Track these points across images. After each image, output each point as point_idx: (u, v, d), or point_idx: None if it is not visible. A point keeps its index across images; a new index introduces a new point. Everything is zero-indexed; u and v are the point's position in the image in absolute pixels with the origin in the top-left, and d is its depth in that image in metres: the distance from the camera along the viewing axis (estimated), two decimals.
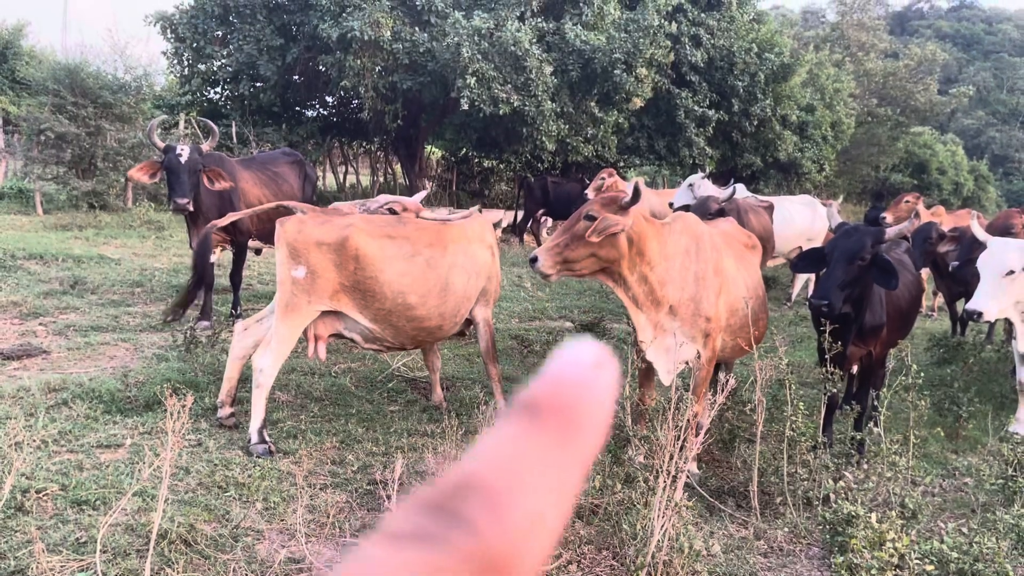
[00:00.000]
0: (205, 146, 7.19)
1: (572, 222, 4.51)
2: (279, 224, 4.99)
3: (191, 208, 6.95)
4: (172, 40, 15.97)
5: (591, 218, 4.39)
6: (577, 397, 0.40)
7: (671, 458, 3.57)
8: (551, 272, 4.45)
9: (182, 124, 15.99)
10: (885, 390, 5.03)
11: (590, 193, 11.87)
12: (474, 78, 13.29)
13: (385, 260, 4.98)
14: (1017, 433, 6.11)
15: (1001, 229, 8.87)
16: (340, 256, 4.90)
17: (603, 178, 12.56)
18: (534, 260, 4.44)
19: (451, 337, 5.92)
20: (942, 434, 5.77)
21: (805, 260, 5.60)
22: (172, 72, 17.09)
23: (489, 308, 5.69)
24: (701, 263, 4.73)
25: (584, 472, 0.41)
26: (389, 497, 3.75)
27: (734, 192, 8.94)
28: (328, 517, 4.01)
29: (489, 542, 0.36)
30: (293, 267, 4.87)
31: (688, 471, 4.51)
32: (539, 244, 15.83)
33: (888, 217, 11.02)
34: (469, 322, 5.67)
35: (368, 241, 4.96)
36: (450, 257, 5.26)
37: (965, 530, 3.82)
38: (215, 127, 7.81)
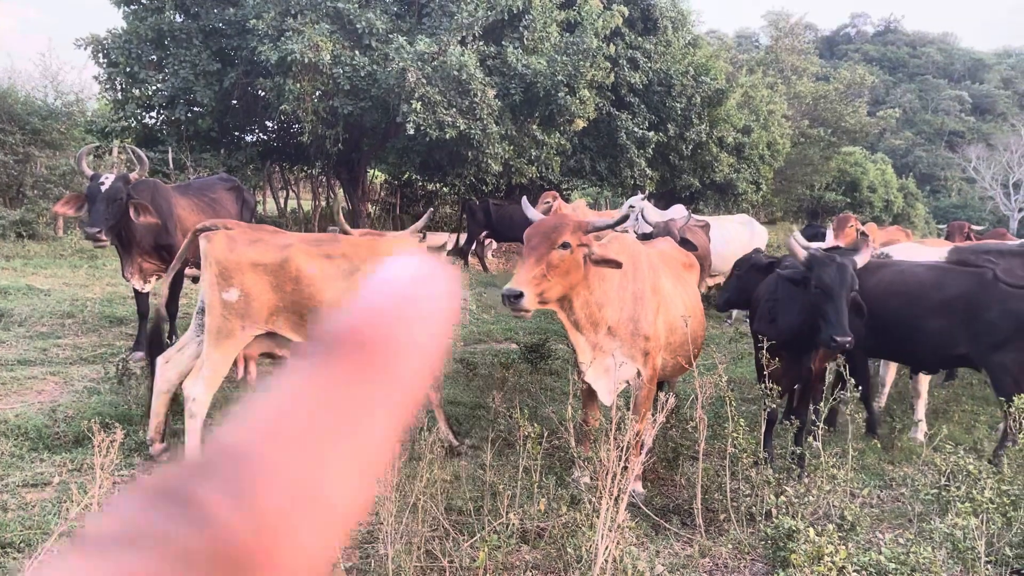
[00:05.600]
0: (134, 175, 6.98)
1: (544, 251, 4.27)
2: (205, 240, 4.72)
3: (103, 238, 6.65)
4: (104, 65, 15.60)
5: (566, 246, 4.35)
6: (386, 320, 0.31)
7: (613, 478, 3.57)
8: (533, 309, 4.26)
9: (115, 151, 15.61)
10: (822, 404, 5.13)
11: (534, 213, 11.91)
12: (419, 103, 13.28)
13: (326, 279, 4.90)
14: (915, 438, 6.31)
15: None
16: (278, 277, 4.76)
17: (548, 201, 12.64)
18: (518, 297, 4.13)
19: None
20: (878, 445, 5.91)
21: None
22: (104, 97, 16.68)
23: None
24: (638, 283, 4.77)
25: (404, 415, 0.31)
26: None
27: (688, 219, 9.17)
28: None
29: (228, 533, 0.27)
30: (224, 289, 4.65)
31: (633, 491, 4.52)
32: (484, 267, 15.84)
33: (840, 244, 11.13)
34: None
35: (308, 261, 4.86)
36: None
37: (902, 540, 3.90)
38: (144, 156, 7.58)
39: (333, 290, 4.92)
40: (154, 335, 5.39)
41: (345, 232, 5.97)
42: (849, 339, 4.89)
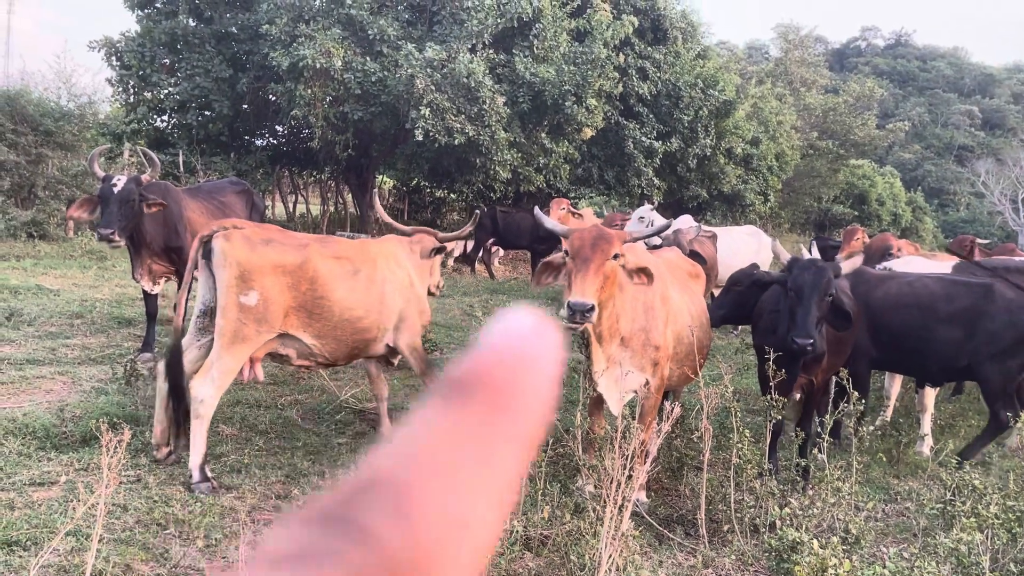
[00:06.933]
0: (146, 176, 7.04)
1: (600, 261, 4.19)
2: (223, 239, 4.61)
3: (116, 239, 6.66)
4: (117, 67, 15.72)
5: (617, 257, 4.31)
6: (512, 368, 0.35)
7: (618, 487, 3.58)
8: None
9: (127, 153, 15.70)
10: (827, 417, 5.12)
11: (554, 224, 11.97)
12: (428, 109, 13.35)
13: (335, 279, 4.98)
14: (920, 452, 6.32)
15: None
16: (295, 278, 4.79)
17: (564, 207, 12.74)
18: (590, 310, 4.05)
19: (380, 361, 5.78)
20: (884, 459, 5.89)
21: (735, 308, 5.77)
22: (117, 99, 16.80)
23: (413, 336, 5.56)
24: (648, 293, 4.77)
25: (528, 456, 0.35)
26: None
27: (699, 230, 9.25)
28: None
29: (393, 551, 0.31)
30: (243, 292, 4.57)
31: (637, 500, 4.52)
32: (491, 274, 15.86)
33: (843, 255, 11.15)
34: (395, 351, 5.57)
35: (323, 262, 4.94)
36: (380, 272, 5.32)
37: (907, 555, 3.89)
38: (155, 158, 7.63)
39: (340, 290, 4.98)
40: (174, 357, 4.91)
41: (403, 233, 6.06)
42: (810, 342, 4.80)
